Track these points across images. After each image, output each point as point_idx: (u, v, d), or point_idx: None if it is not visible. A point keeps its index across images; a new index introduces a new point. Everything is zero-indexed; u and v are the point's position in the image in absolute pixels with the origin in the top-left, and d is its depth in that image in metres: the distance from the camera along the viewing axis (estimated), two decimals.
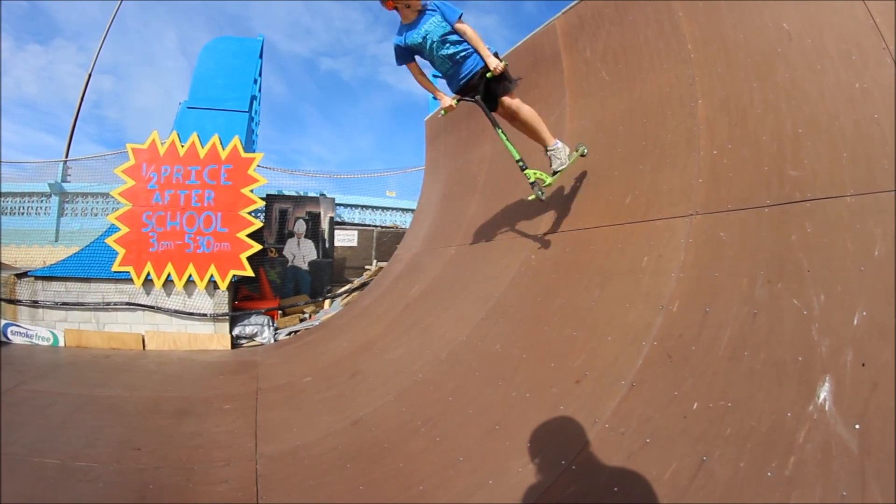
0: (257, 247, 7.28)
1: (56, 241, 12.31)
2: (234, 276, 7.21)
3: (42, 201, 13.01)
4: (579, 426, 2.34)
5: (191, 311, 7.23)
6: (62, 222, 12.74)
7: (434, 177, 7.87)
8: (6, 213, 13.05)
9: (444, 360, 3.78)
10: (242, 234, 7.22)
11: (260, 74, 9.27)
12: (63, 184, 12.78)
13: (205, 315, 7.21)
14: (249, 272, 7.24)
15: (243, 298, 7.68)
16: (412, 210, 14.34)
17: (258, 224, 7.36)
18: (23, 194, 13.07)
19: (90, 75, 15.92)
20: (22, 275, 7.66)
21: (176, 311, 7.24)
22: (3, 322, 7.53)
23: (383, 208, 14.52)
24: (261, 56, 9.07)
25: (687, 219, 2.88)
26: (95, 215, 12.74)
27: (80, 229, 11.87)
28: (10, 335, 7.49)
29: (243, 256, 7.17)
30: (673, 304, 2.56)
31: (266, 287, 8.31)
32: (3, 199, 12.97)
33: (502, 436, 2.58)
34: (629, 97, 3.95)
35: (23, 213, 13.09)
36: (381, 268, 8.71)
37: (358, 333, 5.65)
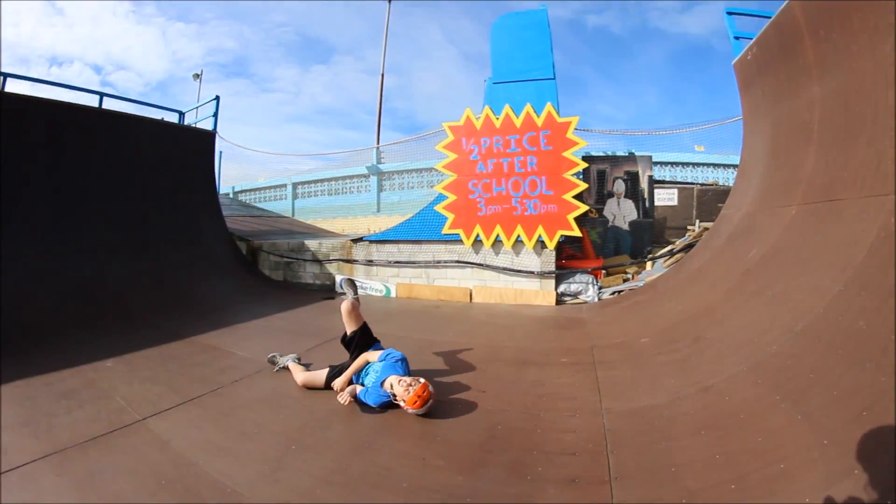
0: (583, 208, 7.23)
1: (378, 211, 14.27)
2: (560, 235, 7.26)
3: (362, 181, 15.38)
4: None
5: (518, 268, 7.53)
6: (381, 196, 14.79)
7: (755, 127, 6.83)
8: (332, 194, 15.75)
9: (800, 334, 3.30)
10: (568, 196, 7.22)
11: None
12: (378, 165, 14.81)
13: (531, 272, 7.43)
14: (576, 232, 7.24)
15: (567, 257, 7.75)
16: (724, 165, 13.30)
17: (582, 186, 7.30)
18: (345, 177, 15.71)
19: (383, 76, 18.38)
20: (357, 240, 8.87)
21: (504, 269, 7.62)
22: (340, 277, 8.76)
23: (694, 164, 13.54)
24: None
25: None
26: (412, 188, 14.45)
27: (398, 201, 13.69)
28: (345, 287, 8.63)
29: (570, 217, 7.18)
30: None
31: (588, 247, 8.30)
32: (329, 182, 15.88)
33: (870, 423, 2.23)
34: None
35: (345, 192, 15.69)
36: (705, 228, 7.98)
37: (693, 297, 5.19)
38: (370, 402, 3.50)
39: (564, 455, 2.72)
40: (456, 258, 7.96)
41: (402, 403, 3.31)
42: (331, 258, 9.11)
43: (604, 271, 7.78)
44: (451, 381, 3.94)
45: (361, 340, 4.01)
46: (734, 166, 13.13)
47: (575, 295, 7.36)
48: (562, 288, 7.37)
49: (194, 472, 2.61)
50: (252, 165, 15.60)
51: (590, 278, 7.38)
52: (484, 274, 7.82)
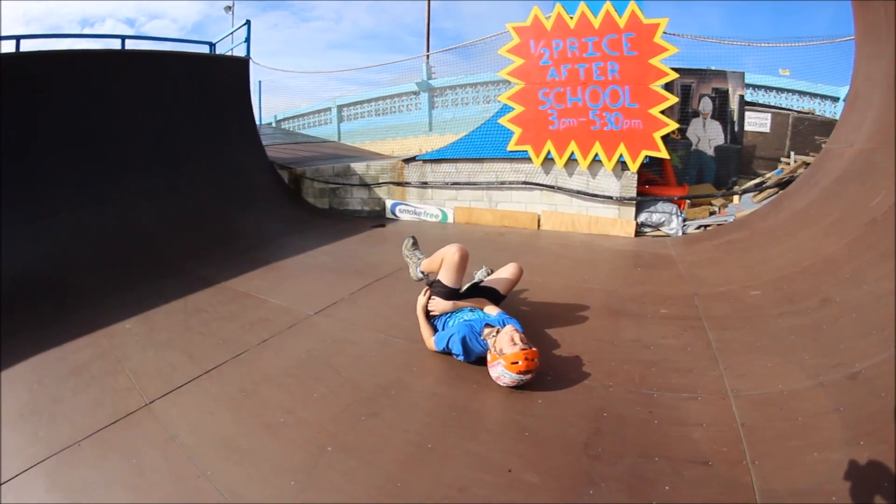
0: (673, 125, 6.22)
1: (430, 130, 13.42)
2: (645, 156, 6.31)
3: (412, 99, 14.40)
4: None
5: (594, 192, 6.66)
6: (433, 114, 13.87)
7: (875, 50, 5.63)
8: (380, 114, 14.94)
9: None
10: (655, 111, 6.20)
11: None
12: (429, 81, 13.79)
13: (610, 198, 6.57)
14: (664, 153, 6.26)
15: (645, 182, 6.79)
16: (812, 94, 11.73)
17: (673, 99, 6.24)
18: (392, 96, 14.72)
19: None
20: (410, 159, 8.14)
21: (578, 192, 6.77)
22: (391, 202, 8.16)
23: (778, 90, 12.03)
24: None
25: None
26: (466, 104, 13.41)
27: (452, 118, 12.71)
28: (397, 213, 8.16)
29: (657, 135, 6.19)
30: None
31: (670, 172, 7.32)
32: (376, 103, 15.05)
33: None
34: None
35: (393, 112, 14.76)
36: (804, 163, 6.92)
37: (806, 244, 4.33)
38: (454, 341, 2.95)
39: (695, 465, 2.08)
40: (523, 179, 7.12)
41: (497, 362, 2.68)
42: (380, 181, 8.43)
43: (688, 201, 6.81)
44: (532, 336, 3.24)
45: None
46: (824, 97, 11.71)
47: (656, 226, 6.49)
48: (642, 217, 6.50)
49: (199, 490, 2.10)
50: (294, 94, 14.86)
51: (673, 208, 6.47)
52: (555, 198, 6.98)
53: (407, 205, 8.14)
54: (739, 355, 2.98)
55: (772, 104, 10.99)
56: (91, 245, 5.58)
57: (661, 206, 6.47)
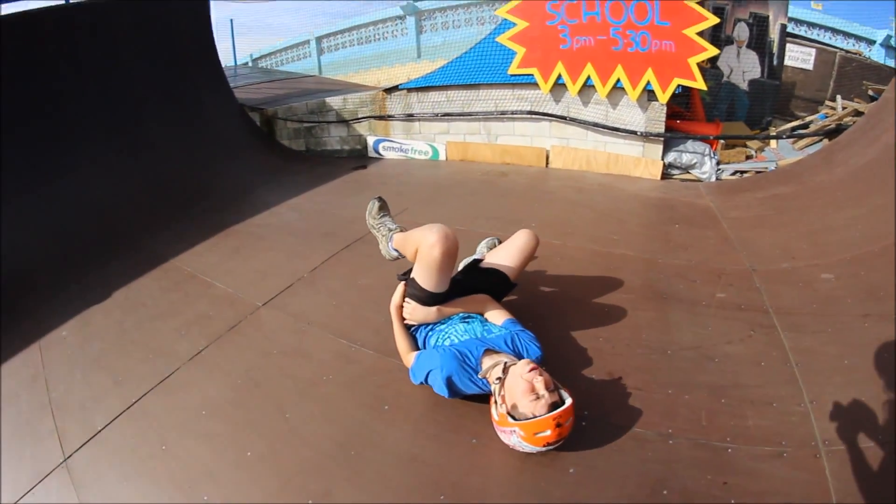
0: (713, 50, 5.13)
1: (418, 57, 12.24)
2: (678, 86, 5.24)
3: (398, 24, 13.22)
4: None
5: (615, 125, 5.61)
6: (422, 39, 12.76)
7: None
8: (363, 43, 13.74)
9: None
10: (691, 32, 5.09)
11: None
12: (415, 3, 12.66)
13: (633, 132, 5.52)
14: (701, 84, 5.19)
15: (671, 116, 5.74)
16: (854, 36, 10.56)
17: (713, 19, 5.12)
18: (376, 22, 13.51)
19: None
20: (392, 89, 7.11)
21: (595, 125, 5.72)
22: (373, 139, 7.24)
23: (809, 24, 10.83)
24: None
25: None
26: (458, 27, 12.30)
27: (442, 43, 11.50)
28: (381, 151, 7.21)
29: (692, 61, 5.11)
30: None
31: (699, 106, 6.24)
32: (358, 31, 13.77)
33: None
34: None
35: (379, 39, 13.57)
36: (855, 111, 5.95)
37: (876, 216, 3.52)
38: (435, 378, 2.04)
39: None
40: (528, 108, 6.05)
41: (511, 430, 1.81)
42: (359, 116, 7.37)
43: (721, 142, 5.82)
44: (554, 351, 2.40)
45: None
46: (859, 38, 10.59)
47: (686, 168, 5.53)
48: (671, 157, 5.52)
49: None
50: (271, 32, 13.90)
51: (705, 148, 5.49)
52: (566, 130, 5.94)
53: (391, 141, 7.15)
54: (824, 378, 2.26)
55: (814, 39, 9.88)
56: (43, 231, 4.74)
57: (690, 144, 5.49)
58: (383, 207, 2.77)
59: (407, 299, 2.33)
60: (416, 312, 2.29)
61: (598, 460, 1.89)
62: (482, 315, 2.36)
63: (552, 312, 2.82)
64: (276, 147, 8.17)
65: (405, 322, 2.37)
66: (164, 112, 6.77)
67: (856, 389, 2.12)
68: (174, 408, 2.45)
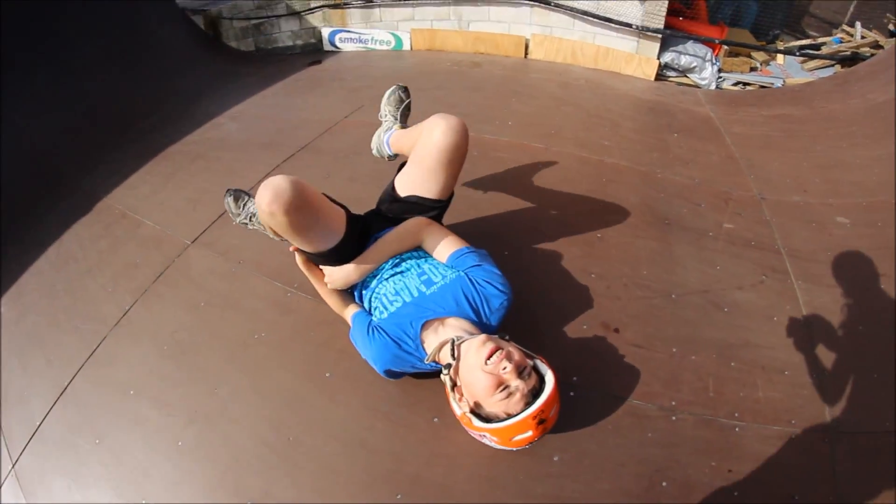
0: None
1: None
2: None
3: None
4: None
5: (608, 15, 4.88)
6: None
7: None
8: None
9: None
10: None
11: None
12: None
13: (629, 25, 4.81)
14: None
15: (671, 13, 5.05)
16: None
17: None
18: None
19: None
20: None
21: (584, 13, 4.98)
22: (329, 31, 6.56)
23: None
24: None
25: None
26: None
27: None
28: (337, 43, 6.55)
29: None
30: None
31: (702, 5, 5.51)
32: None
33: None
34: None
35: None
36: (876, 43, 5.41)
37: None
38: (374, 363, 1.62)
39: None
40: None
41: (480, 434, 1.42)
42: (312, 6, 6.53)
43: (724, 47, 5.19)
44: (531, 271, 2.15)
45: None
46: None
47: (683, 71, 4.93)
48: (668, 57, 4.87)
49: None
50: None
51: (706, 52, 4.88)
52: (550, 18, 5.22)
53: (349, 32, 6.40)
54: (839, 346, 1.98)
55: None
56: None
57: (691, 46, 4.86)
58: (239, 198, 2.20)
59: (312, 270, 1.87)
60: (333, 277, 1.80)
61: (589, 444, 1.60)
62: (422, 249, 1.81)
63: (531, 238, 2.32)
64: (225, 50, 7.34)
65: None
66: (94, 28, 5.83)
67: (869, 361, 1.90)
68: (103, 388, 2.12)
